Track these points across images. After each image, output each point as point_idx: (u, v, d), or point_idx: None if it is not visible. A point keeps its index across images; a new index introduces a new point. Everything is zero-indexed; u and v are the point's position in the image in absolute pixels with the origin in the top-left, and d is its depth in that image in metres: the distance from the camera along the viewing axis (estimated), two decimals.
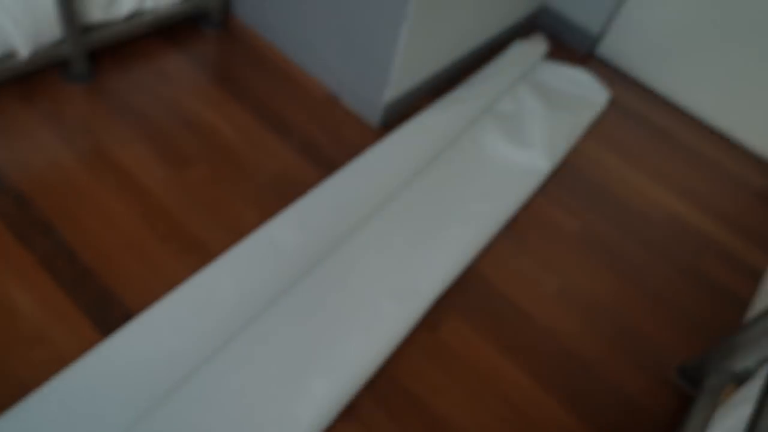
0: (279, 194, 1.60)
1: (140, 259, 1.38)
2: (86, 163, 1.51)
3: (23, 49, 1.50)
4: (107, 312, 1.27)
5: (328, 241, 1.49)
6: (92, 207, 1.44)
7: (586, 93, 2.28)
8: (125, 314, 1.27)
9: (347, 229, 1.54)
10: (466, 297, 1.53)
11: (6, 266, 1.28)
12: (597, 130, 2.19)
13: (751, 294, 1.79)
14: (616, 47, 2.50)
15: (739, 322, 1.71)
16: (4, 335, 1.18)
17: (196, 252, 1.43)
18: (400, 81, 1.79)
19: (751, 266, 1.88)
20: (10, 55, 1.51)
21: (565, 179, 1.95)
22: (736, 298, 1.77)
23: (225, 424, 1.15)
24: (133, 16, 1.72)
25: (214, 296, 1.32)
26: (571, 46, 2.56)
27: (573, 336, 1.53)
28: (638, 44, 2.42)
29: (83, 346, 1.19)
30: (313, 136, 1.78)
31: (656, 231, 1.89)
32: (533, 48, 2.36)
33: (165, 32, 1.91)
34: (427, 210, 1.67)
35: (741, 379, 1.39)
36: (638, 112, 2.35)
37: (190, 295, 1.32)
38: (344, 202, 1.58)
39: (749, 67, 2.19)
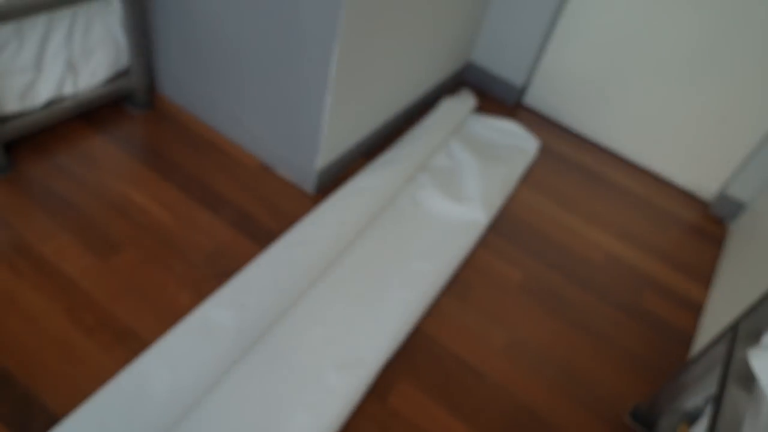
0: (215, 272, 1.55)
1: (65, 356, 1.29)
2: (4, 259, 1.43)
3: None
4: (30, 420, 1.18)
5: (267, 316, 1.44)
6: (12, 306, 1.35)
7: (517, 142, 2.35)
8: (50, 420, 1.18)
9: (287, 303, 1.49)
10: (414, 360, 1.50)
11: None
12: (531, 178, 2.24)
13: (694, 328, 1.82)
14: (540, 97, 2.60)
15: (685, 357, 1.73)
16: None
17: (127, 342, 1.35)
18: (331, 147, 1.79)
19: (691, 300, 1.92)
20: None
21: (505, 229, 1.98)
22: (680, 334, 1.80)
23: None
24: (51, 103, 1.68)
25: (146, 389, 1.24)
26: (499, 99, 2.65)
27: (525, 389, 1.51)
28: (560, 92, 2.53)
29: None
30: (247, 209, 1.75)
31: (597, 273, 1.92)
32: (462, 103, 2.43)
33: (88, 116, 1.87)
34: (368, 274, 1.65)
35: (693, 418, 1.39)
36: (568, 156, 2.43)
37: (120, 390, 1.24)
38: (282, 275, 1.54)
39: (666, 104, 2.31)
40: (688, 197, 2.41)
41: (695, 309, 1.89)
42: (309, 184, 1.85)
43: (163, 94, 2.06)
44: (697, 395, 1.35)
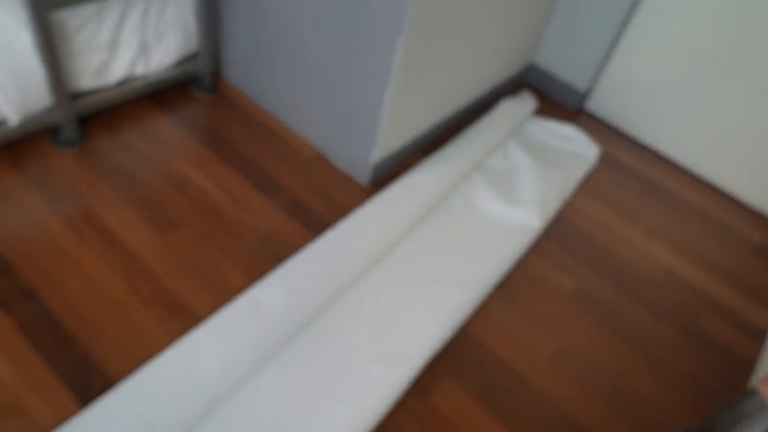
0: (267, 255, 1.58)
1: (123, 324, 1.34)
2: (72, 227, 1.50)
3: (13, 117, 1.51)
4: (87, 380, 1.23)
5: (315, 303, 1.46)
6: (77, 272, 1.41)
7: (576, 149, 2.29)
8: (105, 382, 1.23)
9: (335, 292, 1.50)
10: (458, 360, 1.48)
11: None
12: (589, 186, 2.18)
13: (755, 354, 1.73)
14: (604, 103, 2.53)
15: (743, 384, 1.64)
16: None
17: (181, 316, 1.39)
18: (388, 141, 1.79)
19: (754, 325, 1.82)
20: (0, 123, 1.53)
21: (559, 236, 1.93)
22: (740, 359, 1.71)
23: None
24: (123, 82, 1.75)
25: (196, 364, 1.28)
26: (560, 103, 2.59)
27: (570, 400, 1.47)
28: (626, 99, 2.45)
29: (60, 417, 1.15)
30: (302, 196, 1.77)
31: (654, 288, 1.85)
32: (522, 105, 2.38)
33: (156, 96, 1.94)
34: (417, 270, 1.64)
35: None
36: (630, 166, 2.35)
37: (172, 362, 1.28)
38: (332, 264, 1.55)
39: (737, 118, 2.20)
40: (758, 217, 2.29)
41: (759, 335, 1.79)
42: (364, 177, 1.85)
43: (228, 80, 2.11)
44: (755, 426, 1.28)
